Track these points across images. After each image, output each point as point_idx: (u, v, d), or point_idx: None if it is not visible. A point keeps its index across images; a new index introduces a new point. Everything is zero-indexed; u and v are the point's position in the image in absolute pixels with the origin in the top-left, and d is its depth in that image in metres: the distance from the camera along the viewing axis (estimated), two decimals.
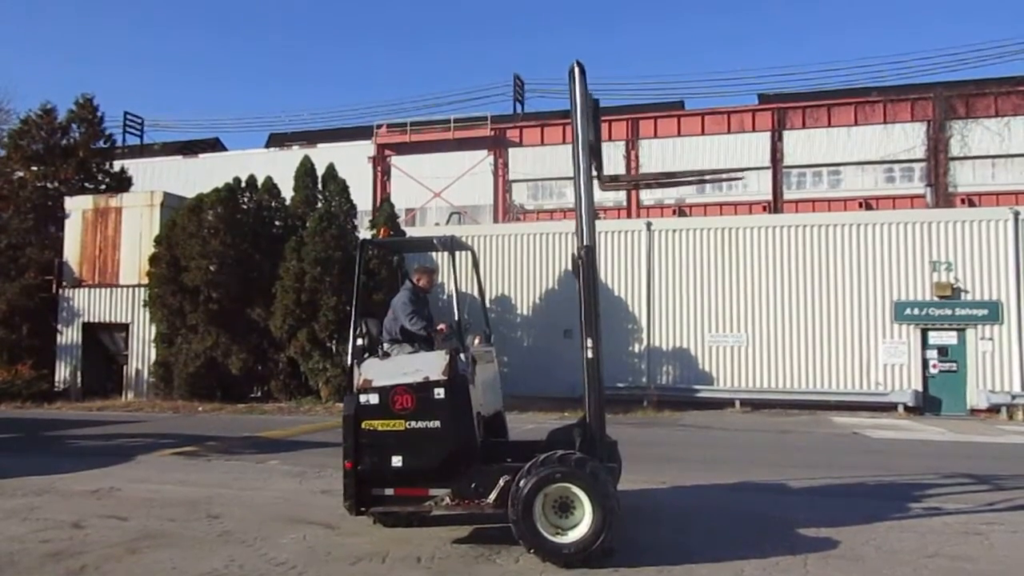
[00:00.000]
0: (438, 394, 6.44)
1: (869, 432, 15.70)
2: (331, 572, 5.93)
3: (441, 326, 7.15)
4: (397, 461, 6.44)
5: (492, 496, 6.27)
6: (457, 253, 7.31)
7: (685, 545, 6.59)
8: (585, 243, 6.67)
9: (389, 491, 6.54)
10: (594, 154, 6.67)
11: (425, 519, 7.02)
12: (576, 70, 6.70)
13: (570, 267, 6.92)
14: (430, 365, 6.56)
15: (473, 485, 6.38)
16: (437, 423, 6.42)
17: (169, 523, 7.53)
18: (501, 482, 6.24)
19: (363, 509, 6.57)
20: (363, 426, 6.50)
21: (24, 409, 20.94)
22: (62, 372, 23.98)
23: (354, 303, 7.04)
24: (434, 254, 16.39)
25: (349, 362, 6.87)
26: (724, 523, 7.48)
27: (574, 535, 5.96)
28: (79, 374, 23.72)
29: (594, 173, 6.80)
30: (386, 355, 7.00)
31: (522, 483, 6.01)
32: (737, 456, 12.48)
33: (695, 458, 12.16)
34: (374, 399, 6.52)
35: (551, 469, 6.00)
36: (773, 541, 6.71)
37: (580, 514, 6.00)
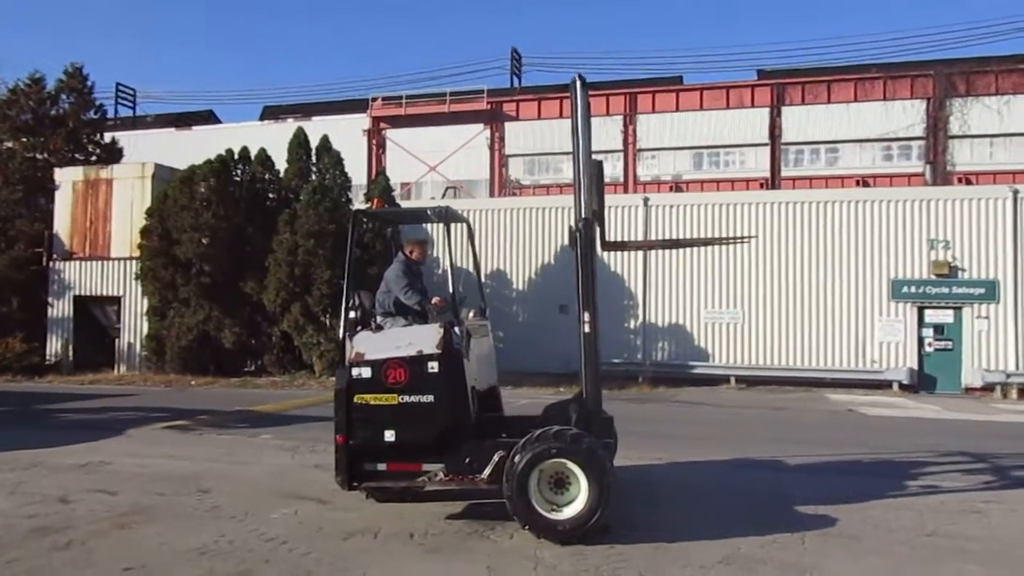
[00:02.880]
0: (432, 368, 6.31)
1: (864, 409, 15.67)
2: (322, 548, 5.84)
3: (436, 299, 7.02)
4: (390, 436, 6.33)
5: (486, 472, 6.18)
6: (452, 225, 7.18)
7: (681, 522, 6.52)
8: (583, 215, 6.54)
9: (382, 466, 6.44)
10: (597, 219, 6.54)
11: (419, 494, 6.91)
12: (578, 82, 6.59)
13: (567, 241, 6.79)
14: (424, 338, 6.43)
15: (467, 460, 6.28)
16: (431, 397, 6.30)
17: (158, 498, 7.43)
18: (496, 457, 6.14)
19: (355, 484, 6.47)
20: (355, 400, 6.38)
21: (15, 382, 20.78)
22: (54, 345, 23.78)
23: (346, 276, 6.91)
24: (428, 226, 16.32)
25: (341, 335, 6.75)
26: (721, 500, 7.41)
27: (570, 511, 5.89)
28: (71, 347, 23.54)
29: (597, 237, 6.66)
30: (379, 328, 6.87)
31: (517, 459, 5.92)
32: (733, 433, 12.43)
33: (691, 434, 12.10)
34: (367, 373, 6.39)
35: (546, 445, 5.90)
36: (770, 518, 6.64)
37: (576, 490, 5.92)
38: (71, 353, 23.47)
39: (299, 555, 5.67)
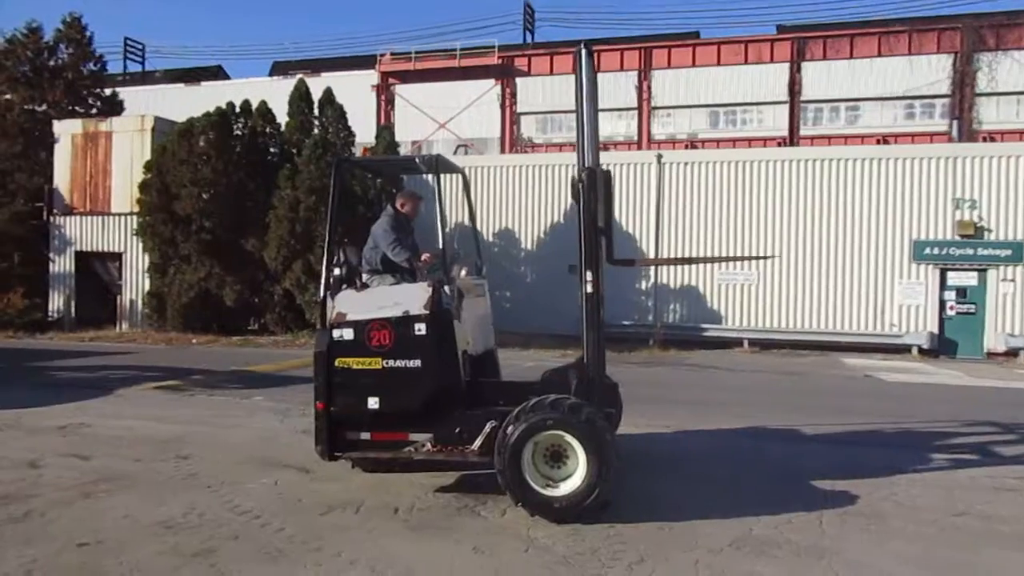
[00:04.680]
0: (419, 330, 5.81)
1: (883, 375, 15.10)
2: (297, 523, 5.39)
3: (426, 256, 6.49)
4: (374, 403, 5.86)
5: (477, 443, 5.71)
6: (445, 176, 6.61)
7: (688, 498, 6.03)
8: (587, 165, 5.95)
9: (365, 435, 5.99)
10: (604, 233, 5.88)
11: (407, 464, 6.45)
12: (583, 52, 5.95)
13: (571, 195, 6.22)
14: (411, 298, 5.92)
15: (457, 430, 5.82)
16: (418, 362, 5.81)
17: (134, 464, 7.01)
18: (487, 428, 5.67)
19: (337, 454, 6.03)
20: (336, 364, 5.91)
21: (15, 339, 20.50)
22: (55, 302, 23.46)
23: (328, 229, 6.37)
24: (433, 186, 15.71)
25: (323, 294, 6.24)
26: (732, 473, 6.91)
27: (566, 488, 5.40)
28: (73, 304, 23.21)
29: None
30: (364, 286, 6.36)
31: (510, 430, 5.42)
32: (745, 399, 11.91)
33: (701, 400, 11.59)
34: (348, 334, 5.90)
35: (542, 415, 5.39)
36: (785, 495, 6.16)
37: (573, 465, 5.43)
38: (73, 310, 23.15)
39: (272, 531, 5.22)
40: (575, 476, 5.39)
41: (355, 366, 5.86)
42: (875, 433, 8.98)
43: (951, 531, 5.41)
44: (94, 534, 5.11)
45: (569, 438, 5.38)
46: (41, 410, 9.58)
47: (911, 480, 6.71)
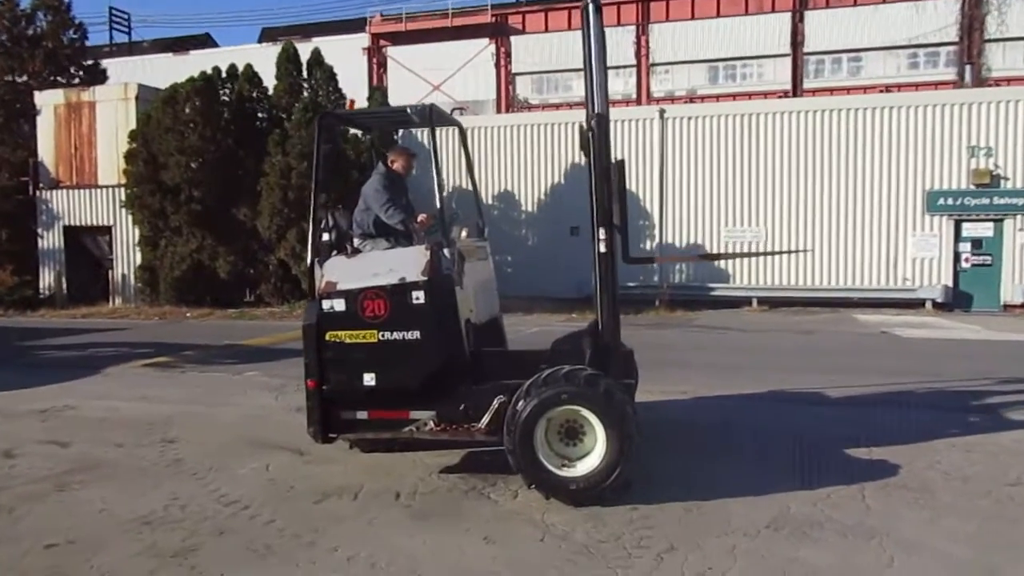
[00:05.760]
0: (417, 298, 5.27)
1: (899, 331, 14.59)
2: (289, 513, 4.91)
3: (422, 217, 5.92)
4: (370, 379, 5.34)
5: (484, 420, 5.21)
6: (439, 129, 6.02)
7: (716, 473, 5.56)
8: (596, 111, 5.37)
9: (362, 414, 5.48)
10: (620, 231, 5.32)
11: (408, 444, 5.95)
12: (591, 7, 5.36)
13: (579, 145, 5.65)
14: (407, 263, 5.37)
15: (462, 407, 5.31)
16: (417, 333, 5.28)
17: (115, 450, 6.53)
18: (495, 404, 5.16)
19: (332, 436, 5.53)
20: (327, 338, 5.37)
21: (6, 317, 19.97)
22: (46, 278, 22.87)
23: (313, 191, 5.78)
24: (425, 142, 15.06)
25: (310, 261, 5.69)
26: (758, 444, 6.41)
27: (584, 467, 4.92)
28: (64, 280, 22.64)
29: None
30: (356, 252, 5.81)
31: (520, 405, 4.92)
32: (762, 360, 11.40)
33: (716, 363, 11.08)
34: (340, 305, 5.36)
35: (556, 389, 4.89)
36: (819, 466, 5.69)
37: (591, 442, 4.95)
38: (64, 286, 22.58)
39: (261, 524, 4.75)
40: (593, 454, 4.90)
41: (348, 340, 5.33)
42: (902, 393, 8.48)
43: (1007, 503, 4.95)
44: (65, 533, 4.64)
45: (586, 413, 4.89)
46: (23, 392, 9.09)
47: (951, 445, 6.23)
